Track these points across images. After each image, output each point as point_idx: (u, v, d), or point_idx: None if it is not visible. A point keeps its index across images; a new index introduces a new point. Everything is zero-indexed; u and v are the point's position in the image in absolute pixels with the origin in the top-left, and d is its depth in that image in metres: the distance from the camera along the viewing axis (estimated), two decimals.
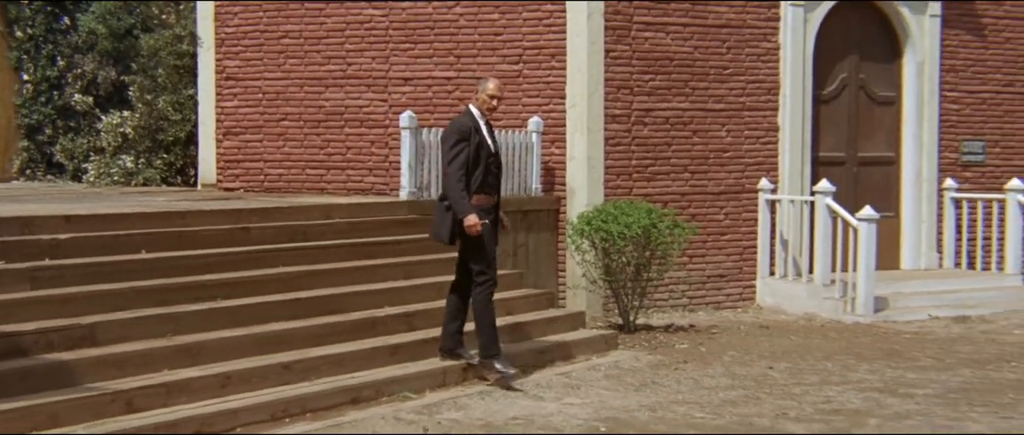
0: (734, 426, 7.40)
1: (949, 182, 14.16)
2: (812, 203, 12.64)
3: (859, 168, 13.96)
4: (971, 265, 14.09)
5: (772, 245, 13.08)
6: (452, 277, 10.25)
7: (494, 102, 8.74)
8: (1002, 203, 13.83)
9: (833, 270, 12.41)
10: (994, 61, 14.63)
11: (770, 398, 8.25)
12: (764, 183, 13.08)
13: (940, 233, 14.18)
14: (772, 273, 13.09)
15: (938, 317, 12.27)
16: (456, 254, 8.88)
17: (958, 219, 14.13)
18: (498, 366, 8.55)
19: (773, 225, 13.06)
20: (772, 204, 13.07)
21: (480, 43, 12.59)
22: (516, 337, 9.67)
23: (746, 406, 8.00)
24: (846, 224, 12.33)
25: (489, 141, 8.63)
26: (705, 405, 8.04)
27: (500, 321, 9.82)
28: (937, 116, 14.15)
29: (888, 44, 14.09)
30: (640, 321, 11.46)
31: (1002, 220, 13.83)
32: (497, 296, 10.25)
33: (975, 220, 14.04)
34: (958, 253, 14.16)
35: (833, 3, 13.43)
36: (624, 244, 10.98)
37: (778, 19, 13.18)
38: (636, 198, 12.13)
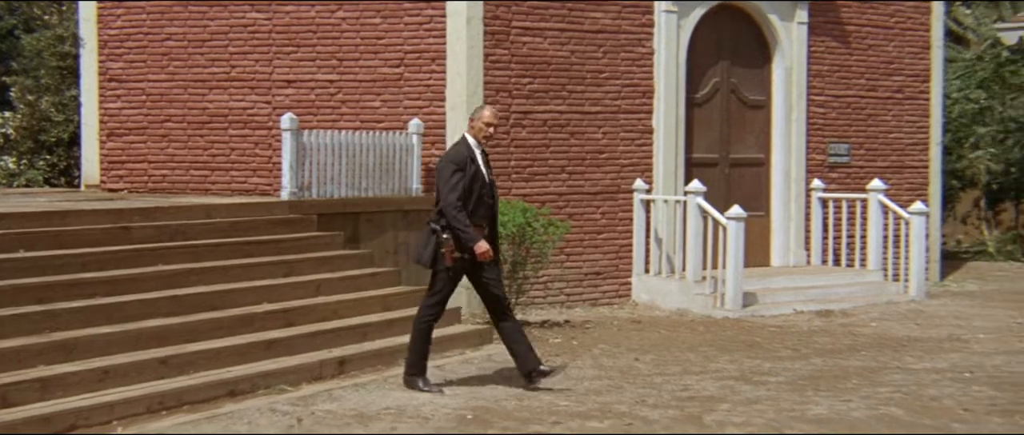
0: (593, 412, 7.79)
1: (816, 182, 14.77)
2: (685, 203, 13.11)
3: (731, 169, 14.50)
4: (837, 262, 14.72)
5: (647, 243, 13.54)
6: (330, 275, 10.59)
7: (490, 129, 8.61)
8: (865, 202, 14.47)
9: (704, 267, 12.90)
10: (858, 67, 15.30)
11: (632, 387, 8.65)
12: (639, 183, 13.53)
13: (808, 231, 14.78)
14: (647, 270, 13.56)
15: (803, 311, 12.83)
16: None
17: (825, 218, 14.75)
18: (420, 384, 8.58)
19: (648, 224, 13.53)
20: (647, 204, 13.53)
21: (362, 47, 12.86)
22: (393, 332, 9.95)
23: (609, 394, 8.40)
24: (716, 223, 12.83)
25: (484, 171, 8.55)
26: (570, 394, 8.42)
27: (377, 317, 10.18)
28: (805, 119, 14.75)
29: (758, 50, 14.66)
30: (517, 317, 11.78)
31: (865, 218, 14.47)
32: (374, 292, 10.65)
33: (840, 219, 14.68)
34: (825, 250, 14.78)
35: (705, 10, 13.95)
36: (500, 242, 11.31)
37: (652, 25, 13.65)
38: (515, 198, 12.48)
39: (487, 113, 8.64)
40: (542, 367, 8.62)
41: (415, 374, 8.65)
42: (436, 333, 10.16)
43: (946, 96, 19.60)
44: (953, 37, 21.33)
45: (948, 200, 20.50)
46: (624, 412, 7.81)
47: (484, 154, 8.63)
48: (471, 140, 8.60)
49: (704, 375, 9.11)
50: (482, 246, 8.38)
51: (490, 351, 10.18)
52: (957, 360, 9.64)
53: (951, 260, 18.81)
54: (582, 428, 7.35)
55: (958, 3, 21.12)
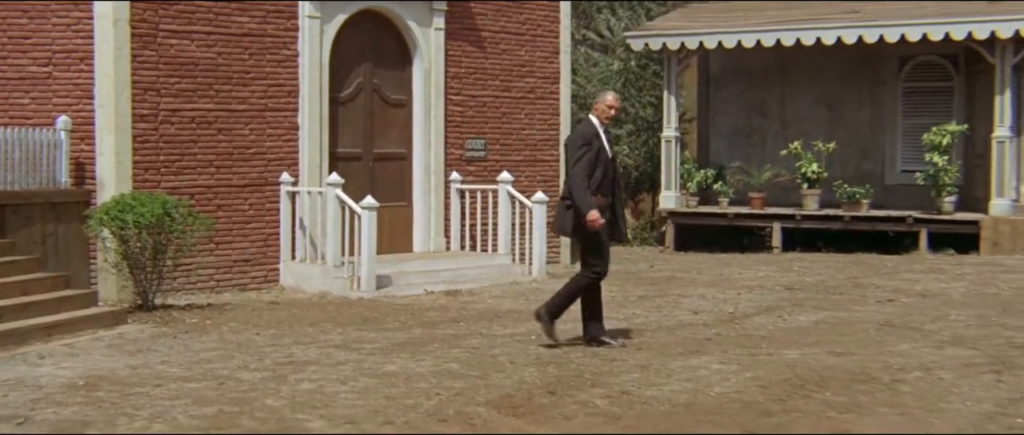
0: (197, 376, 8.80)
1: (454, 175, 16.22)
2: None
3: (375, 163, 15.75)
4: (473, 247, 16.20)
5: (293, 232, 14.63)
6: None
7: (612, 112, 9.71)
8: (496, 193, 16.00)
9: (343, 253, 14.09)
10: (494, 69, 16.85)
11: (242, 356, 9.71)
12: (285, 176, 14.60)
13: (447, 220, 16.21)
14: (293, 257, 14.65)
15: (432, 291, 14.19)
16: None
17: (462, 207, 16.21)
18: (555, 333, 9.81)
19: (294, 214, 14.62)
20: (292, 195, 14.61)
21: (10, 45, 13.39)
22: (27, 314, 10.67)
23: (218, 363, 9.42)
24: (353, 212, 14.02)
25: (607, 148, 9.62)
26: (184, 364, 9.39)
27: (13, 301, 10.86)
28: (443, 117, 16.17)
29: (399, 53, 15.96)
30: (162, 301, 12.69)
31: (496, 208, 15.99)
32: (12, 279, 11.29)
33: (476, 208, 16.16)
34: (462, 237, 16.24)
35: (347, 16, 15.14)
36: (139, 232, 12.18)
37: (296, 29, 14.73)
38: (164, 191, 13.31)
39: (610, 97, 9.78)
40: (554, 329, 9.88)
41: (550, 317, 9.78)
42: (70, 314, 11.01)
43: (590, 96, 21.58)
44: (599, 45, 23.37)
45: None
46: (224, 375, 8.86)
47: (607, 133, 9.72)
48: (595, 120, 9.72)
49: (312, 345, 10.26)
50: (593, 214, 9.39)
51: (123, 330, 11.04)
52: (535, 327, 11.09)
53: None
54: (180, 388, 8.36)
55: (605, 14, 23.11)
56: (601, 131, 9.69)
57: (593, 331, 9.91)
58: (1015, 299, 12.38)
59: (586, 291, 9.85)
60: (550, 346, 9.82)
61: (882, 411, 7.30)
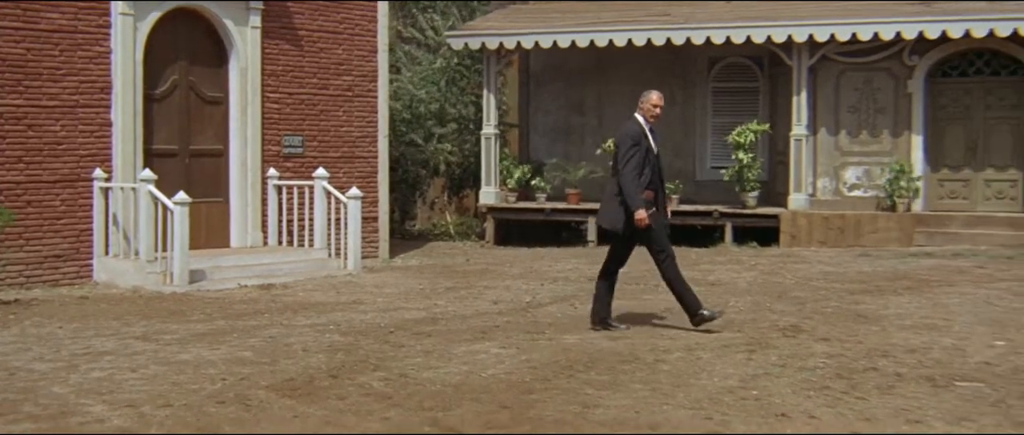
0: None
1: (272, 171, 16.46)
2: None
3: (191, 159, 15.90)
4: (290, 242, 16.47)
5: (106, 228, 14.70)
6: None
7: (657, 110, 9.97)
8: (313, 189, 16.29)
9: (157, 248, 14.22)
10: (311, 67, 17.14)
11: (39, 348, 9.85)
12: (98, 172, 14.66)
13: (264, 216, 16.44)
14: (107, 253, 14.72)
15: (246, 285, 14.41)
16: None
17: (280, 203, 16.46)
18: (705, 313, 10.03)
19: (107, 210, 14.69)
20: (106, 191, 14.68)
21: None
22: None
23: (13, 355, 9.56)
24: (166, 208, 14.17)
25: (653, 146, 9.89)
26: None
27: None
28: (259, 114, 16.40)
29: (215, 51, 16.14)
30: None
31: (313, 203, 16.29)
32: None
33: (293, 204, 16.42)
34: (280, 232, 16.48)
35: (161, 13, 15.26)
36: None
37: (109, 26, 14.80)
38: None
39: (654, 96, 10.06)
40: (702, 311, 10.11)
41: (696, 310, 10.04)
42: None
43: (413, 96, 22.02)
44: (424, 44, 23.80)
45: (417, 187, 22.98)
46: (17, 366, 9.02)
47: (652, 131, 10.00)
48: (641, 119, 10.00)
49: (112, 337, 10.45)
50: (641, 213, 9.70)
51: None
52: (337, 317, 11.52)
53: (417, 240, 21.19)
54: None
55: (429, 14, 23.54)
56: (647, 130, 10.07)
57: (604, 313, 10.38)
58: (794, 287, 13.21)
59: (676, 270, 10.17)
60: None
61: (635, 387, 7.88)
